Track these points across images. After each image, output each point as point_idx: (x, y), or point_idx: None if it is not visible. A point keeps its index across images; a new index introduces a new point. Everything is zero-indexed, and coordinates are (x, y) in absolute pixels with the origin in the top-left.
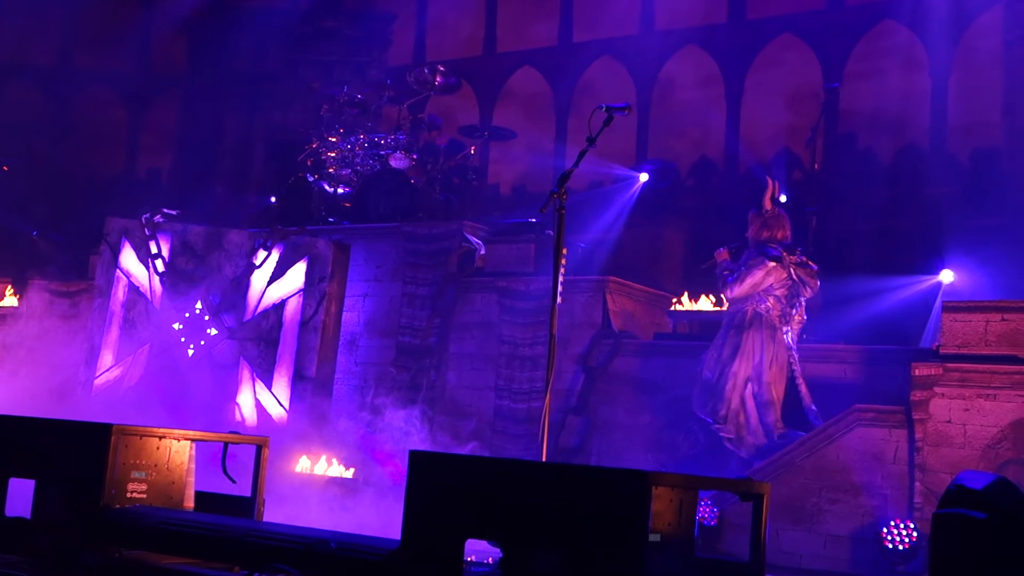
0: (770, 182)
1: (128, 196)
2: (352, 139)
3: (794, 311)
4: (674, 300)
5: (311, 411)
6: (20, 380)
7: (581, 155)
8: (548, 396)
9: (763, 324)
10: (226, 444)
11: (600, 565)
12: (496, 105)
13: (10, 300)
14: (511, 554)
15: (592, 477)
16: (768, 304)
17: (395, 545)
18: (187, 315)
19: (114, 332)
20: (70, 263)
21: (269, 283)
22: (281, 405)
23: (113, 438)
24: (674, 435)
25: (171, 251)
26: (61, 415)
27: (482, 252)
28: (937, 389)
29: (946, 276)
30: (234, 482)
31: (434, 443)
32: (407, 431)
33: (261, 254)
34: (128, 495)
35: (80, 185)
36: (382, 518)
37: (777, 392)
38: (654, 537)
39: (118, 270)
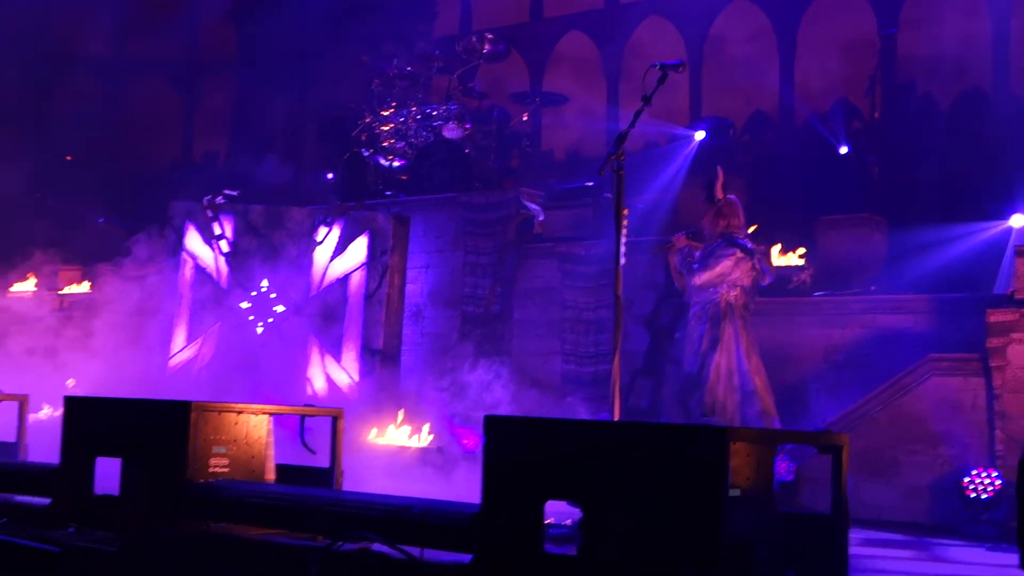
0: (719, 171)
1: (187, 180)
2: (404, 112)
3: (753, 300)
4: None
5: (380, 383)
6: (97, 365)
7: (637, 115)
8: (617, 358)
9: (735, 314)
10: (302, 417)
11: (680, 522)
12: (546, 71)
13: (83, 287)
14: (590, 514)
15: (670, 435)
16: (735, 294)
17: (475, 509)
18: (254, 294)
19: (184, 314)
20: (136, 249)
21: (332, 259)
22: (351, 378)
23: (192, 415)
24: None
25: (234, 231)
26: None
27: (540, 219)
28: (1014, 335)
29: (1016, 220)
30: (313, 453)
31: (503, 408)
32: (477, 398)
33: (322, 230)
34: (210, 469)
35: (140, 172)
36: (457, 485)
37: (760, 381)
38: (733, 492)
39: (184, 253)
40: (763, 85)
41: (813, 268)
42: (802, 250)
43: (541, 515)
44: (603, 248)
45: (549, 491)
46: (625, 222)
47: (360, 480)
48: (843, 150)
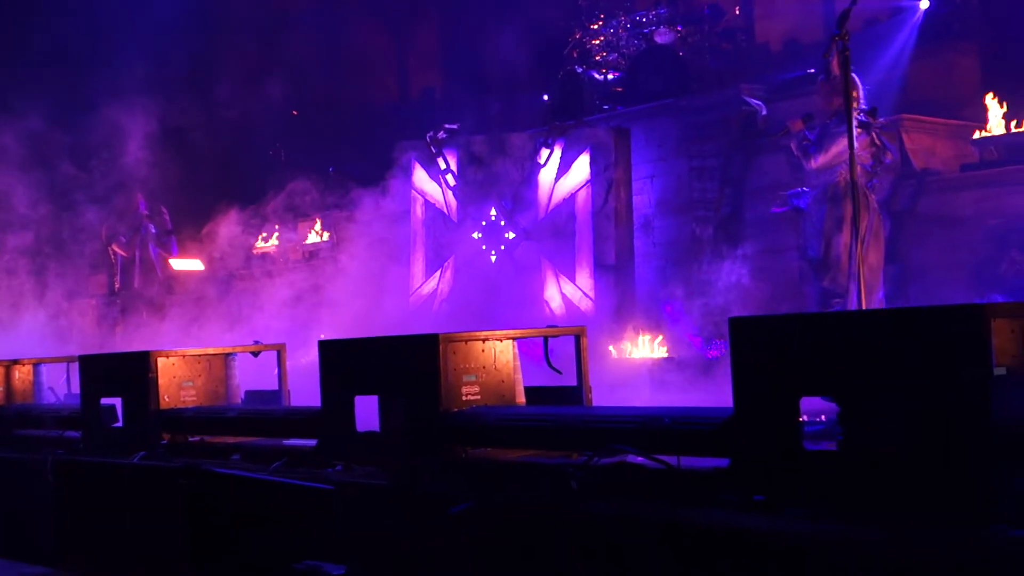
0: (833, 46)
1: (407, 120)
2: (614, 22)
3: (877, 178)
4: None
5: (616, 297)
6: (343, 308)
7: None
8: (859, 245)
9: (858, 192)
10: (546, 338)
11: (944, 406)
12: None
13: (321, 236)
14: (848, 407)
15: (923, 318)
16: (857, 171)
17: (728, 413)
18: (484, 223)
19: (419, 250)
20: (367, 193)
21: (556, 179)
22: (587, 296)
23: (441, 346)
24: (995, 268)
25: (458, 164)
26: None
27: (764, 113)
28: None
29: None
30: (560, 373)
31: (743, 308)
32: (715, 302)
33: (544, 152)
34: (463, 398)
35: (362, 117)
36: (702, 392)
37: (876, 259)
38: (999, 371)
39: (413, 191)
40: None
41: None
42: None
43: (797, 412)
44: None
45: (803, 387)
46: (856, 104)
47: (605, 395)
48: None
